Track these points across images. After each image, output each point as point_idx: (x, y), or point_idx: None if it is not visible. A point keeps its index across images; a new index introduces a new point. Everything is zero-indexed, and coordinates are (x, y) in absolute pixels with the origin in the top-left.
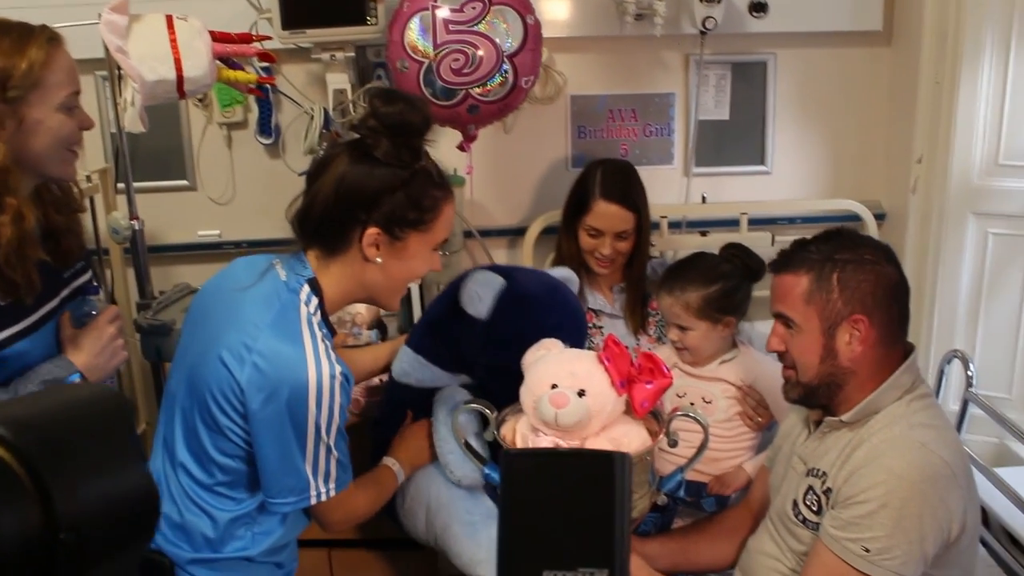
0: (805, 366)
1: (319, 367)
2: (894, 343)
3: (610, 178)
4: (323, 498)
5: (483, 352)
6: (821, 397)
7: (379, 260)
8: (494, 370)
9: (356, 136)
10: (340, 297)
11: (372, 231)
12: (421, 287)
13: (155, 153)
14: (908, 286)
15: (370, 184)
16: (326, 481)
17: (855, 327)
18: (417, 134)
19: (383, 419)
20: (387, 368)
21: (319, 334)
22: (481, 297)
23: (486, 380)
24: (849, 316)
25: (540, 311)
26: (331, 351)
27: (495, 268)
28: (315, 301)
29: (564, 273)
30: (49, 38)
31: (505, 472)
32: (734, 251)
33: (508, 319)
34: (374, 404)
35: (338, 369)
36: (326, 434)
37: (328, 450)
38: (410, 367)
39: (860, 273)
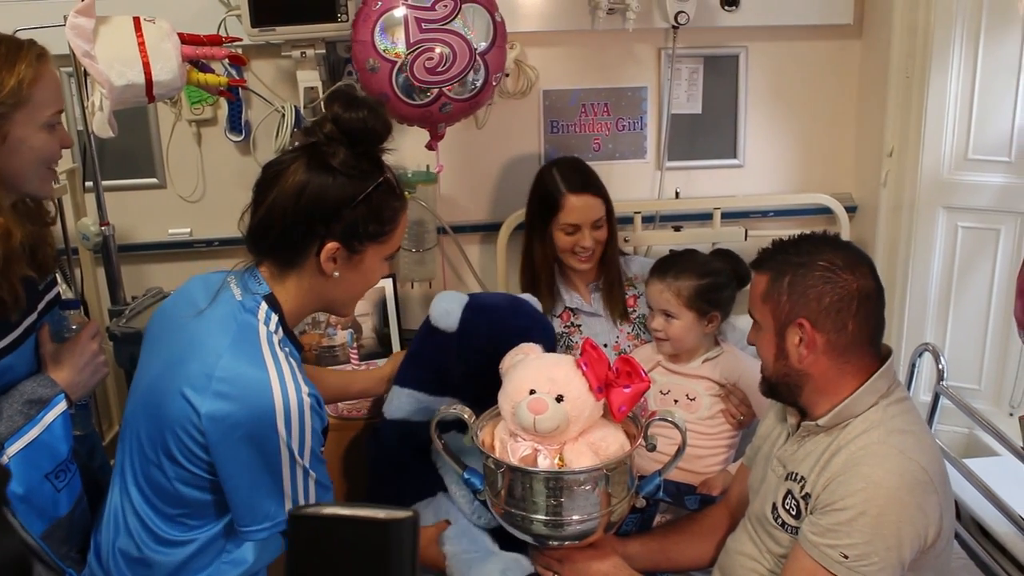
0: (765, 363)
1: (284, 389)
2: (856, 351)
3: (569, 173)
4: None
5: (460, 362)
6: (783, 395)
7: (336, 275)
8: (474, 381)
9: (310, 141)
10: (298, 310)
11: (331, 246)
12: (395, 283)
13: (123, 151)
14: (874, 296)
15: (330, 196)
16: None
17: (801, 331)
18: (378, 142)
19: (377, 459)
20: (358, 395)
21: (282, 354)
22: (449, 312)
23: (471, 399)
24: (795, 320)
25: (505, 316)
26: (297, 372)
27: None
28: (275, 318)
29: (524, 296)
30: (38, 55)
31: (289, 535)
32: (725, 254)
33: (476, 326)
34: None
35: (305, 390)
36: (300, 456)
37: (305, 472)
38: (400, 403)
39: (808, 279)
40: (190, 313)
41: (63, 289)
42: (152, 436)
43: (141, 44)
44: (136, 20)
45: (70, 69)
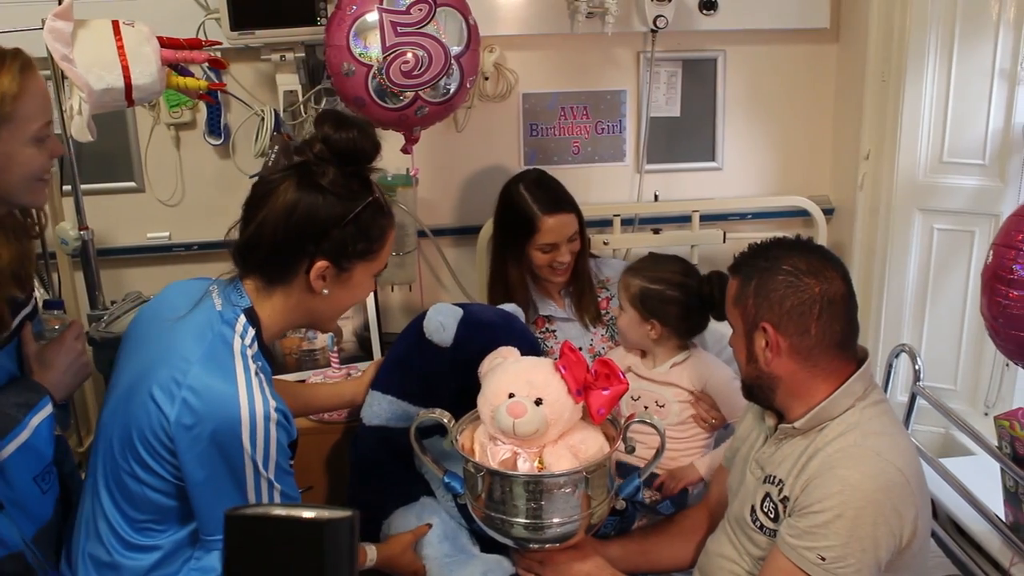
0: (739, 365)
1: (251, 403)
2: (824, 355)
3: (540, 192)
4: None
5: (451, 377)
6: (759, 397)
7: (325, 292)
8: (466, 396)
9: (299, 160)
10: (279, 326)
11: (321, 264)
12: (376, 288)
13: (101, 154)
14: (839, 300)
15: (321, 216)
16: None
17: (765, 334)
18: (366, 161)
19: (358, 463)
20: (348, 404)
21: (253, 367)
22: (445, 326)
23: (459, 412)
24: (759, 323)
25: (498, 334)
26: (266, 386)
27: None
28: (251, 332)
29: (511, 308)
30: (22, 66)
31: (225, 535)
32: (710, 277)
33: (471, 342)
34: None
35: (272, 404)
36: (265, 470)
37: (270, 484)
38: (380, 408)
39: (771, 283)
40: (168, 320)
41: (40, 294)
42: (123, 440)
43: (120, 48)
44: (115, 24)
45: (48, 72)
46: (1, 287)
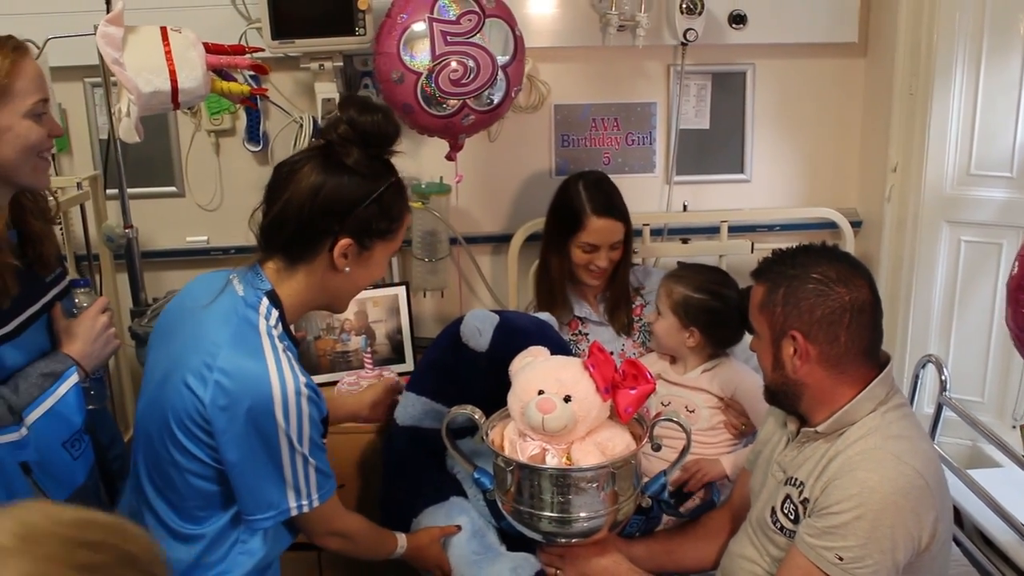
0: (764, 371)
1: (283, 379)
2: (851, 362)
3: (595, 193)
4: (306, 509)
5: (485, 381)
6: (783, 403)
7: (347, 269)
8: (495, 398)
9: (322, 142)
10: (299, 306)
11: (344, 242)
12: (408, 292)
13: (143, 160)
14: (868, 308)
15: (346, 195)
16: (308, 492)
17: (794, 342)
18: (388, 144)
19: (390, 463)
20: (346, 418)
21: (280, 346)
22: (481, 332)
23: (487, 413)
24: (788, 331)
25: (532, 340)
26: (294, 363)
27: None
28: (275, 314)
29: (545, 316)
30: (15, 47)
31: None
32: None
33: (506, 349)
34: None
35: (303, 380)
36: (299, 444)
37: (304, 460)
38: (413, 409)
39: (801, 291)
40: (192, 310)
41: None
42: (161, 429)
43: (168, 53)
44: (163, 30)
45: (93, 79)
46: (1, 254)
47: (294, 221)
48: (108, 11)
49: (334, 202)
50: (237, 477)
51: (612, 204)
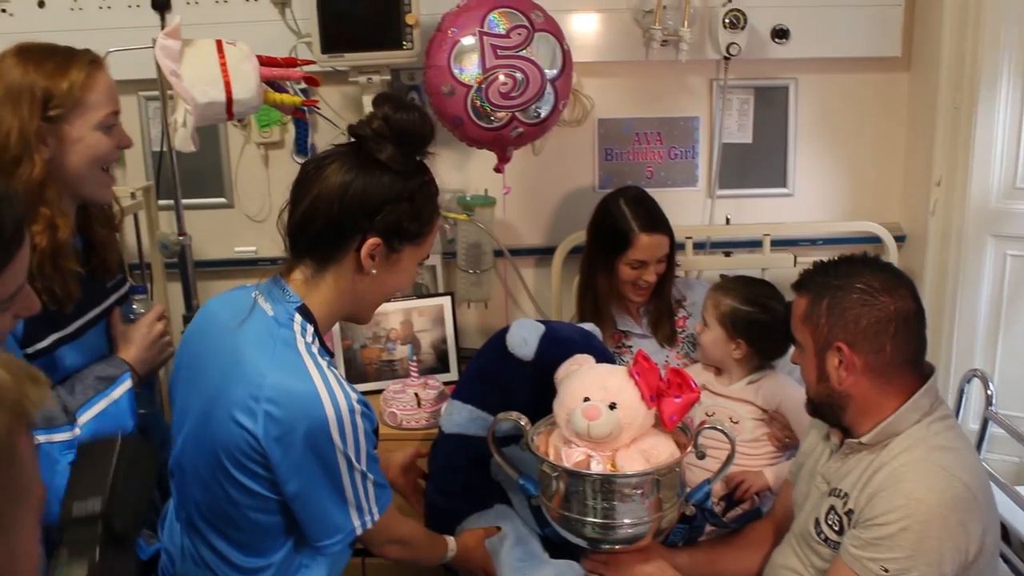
0: (807, 384)
1: (334, 398)
2: (897, 372)
3: (639, 210)
4: (369, 525)
5: (530, 390)
6: (827, 416)
7: (374, 272)
8: (540, 407)
9: (354, 139)
10: (328, 316)
11: (373, 241)
12: (453, 302)
13: (194, 171)
14: (913, 317)
15: (377, 192)
16: (368, 507)
17: (839, 353)
18: (424, 143)
19: (436, 474)
20: (401, 476)
21: (323, 362)
22: (527, 341)
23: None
24: (833, 342)
25: (577, 350)
26: (341, 378)
27: None
28: (310, 329)
29: (589, 326)
30: (90, 60)
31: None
32: None
33: (551, 358)
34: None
35: (354, 396)
36: (357, 462)
37: (363, 476)
38: (459, 417)
39: (846, 302)
40: (219, 335)
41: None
42: (212, 468)
43: (223, 65)
44: (219, 43)
45: (148, 92)
46: (61, 259)
47: (322, 218)
48: (163, 27)
49: (364, 198)
50: (300, 507)
51: (657, 219)
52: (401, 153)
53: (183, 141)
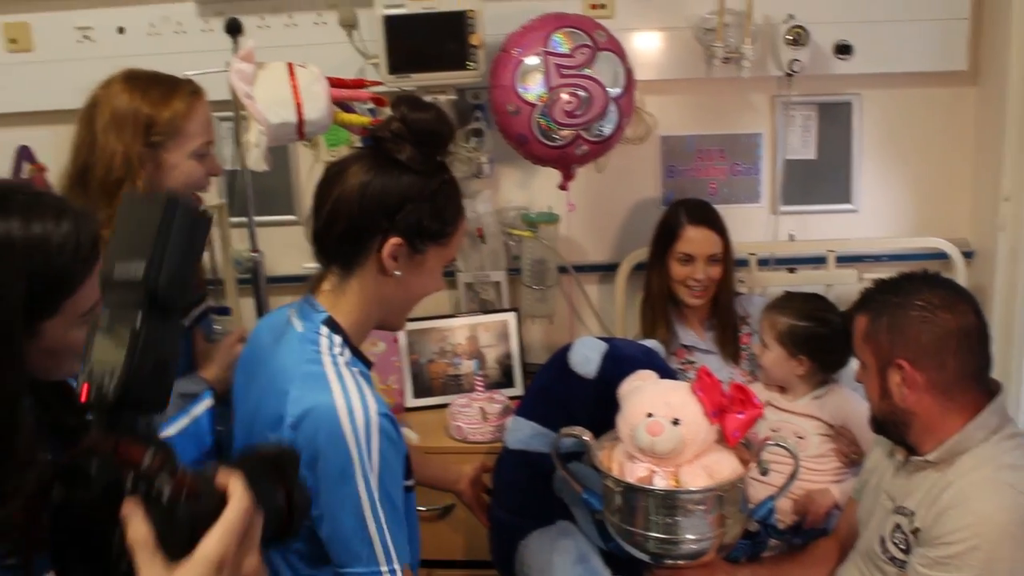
0: (871, 402)
1: (351, 410)
2: (960, 389)
3: (693, 208)
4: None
5: (593, 407)
6: (891, 433)
7: (398, 273)
8: (602, 425)
9: (374, 140)
10: (358, 325)
11: (394, 241)
12: (519, 320)
13: (265, 190)
14: (975, 333)
15: (396, 191)
16: (388, 557)
17: (901, 371)
18: (443, 143)
19: (500, 490)
20: (445, 485)
21: (348, 373)
22: (589, 359)
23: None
24: (895, 360)
25: (640, 368)
26: (365, 388)
27: None
28: (337, 340)
29: (653, 344)
30: (192, 91)
31: None
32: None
33: (614, 376)
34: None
35: (373, 408)
36: (375, 478)
37: (373, 492)
38: (522, 433)
39: (905, 319)
40: (261, 357)
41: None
42: None
43: (294, 87)
44: (290, 65)
45: (220, 113)
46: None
47: (343, 220)
48: (235, 49)
49: (383, 197)
50: (324, 529)
51: (709, 216)
52: (420, 153)
53: (256, 161)
